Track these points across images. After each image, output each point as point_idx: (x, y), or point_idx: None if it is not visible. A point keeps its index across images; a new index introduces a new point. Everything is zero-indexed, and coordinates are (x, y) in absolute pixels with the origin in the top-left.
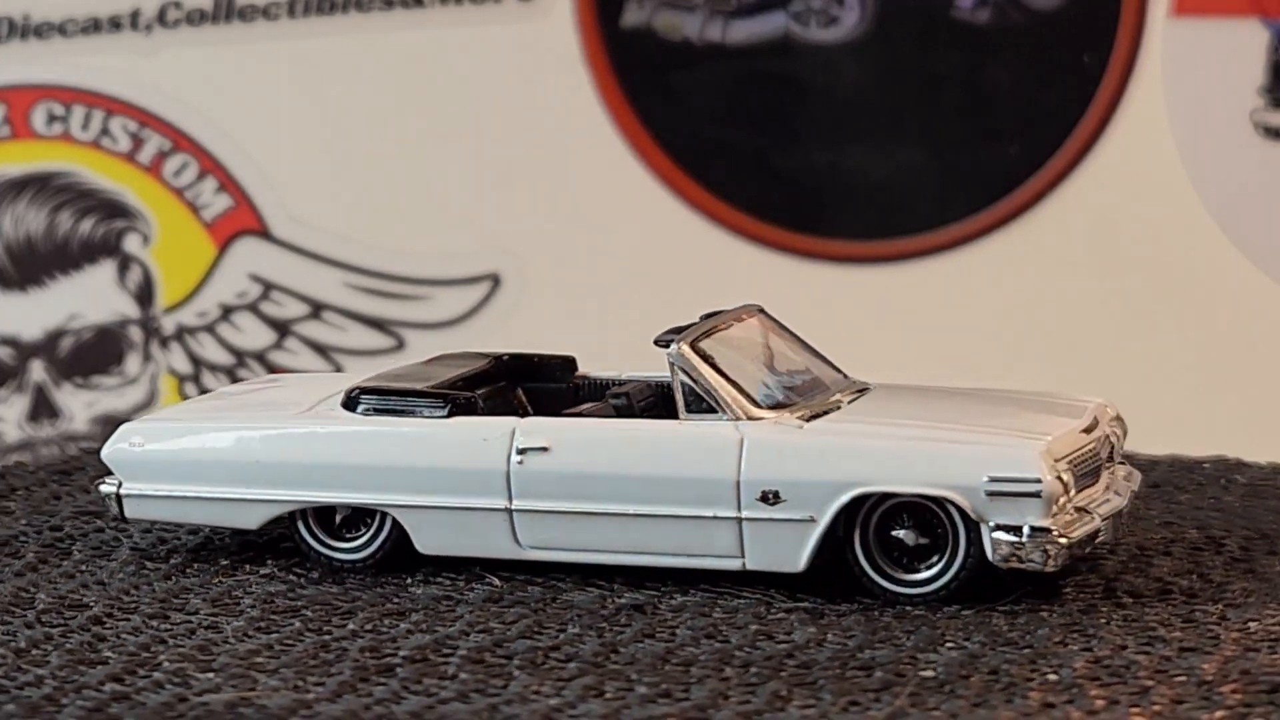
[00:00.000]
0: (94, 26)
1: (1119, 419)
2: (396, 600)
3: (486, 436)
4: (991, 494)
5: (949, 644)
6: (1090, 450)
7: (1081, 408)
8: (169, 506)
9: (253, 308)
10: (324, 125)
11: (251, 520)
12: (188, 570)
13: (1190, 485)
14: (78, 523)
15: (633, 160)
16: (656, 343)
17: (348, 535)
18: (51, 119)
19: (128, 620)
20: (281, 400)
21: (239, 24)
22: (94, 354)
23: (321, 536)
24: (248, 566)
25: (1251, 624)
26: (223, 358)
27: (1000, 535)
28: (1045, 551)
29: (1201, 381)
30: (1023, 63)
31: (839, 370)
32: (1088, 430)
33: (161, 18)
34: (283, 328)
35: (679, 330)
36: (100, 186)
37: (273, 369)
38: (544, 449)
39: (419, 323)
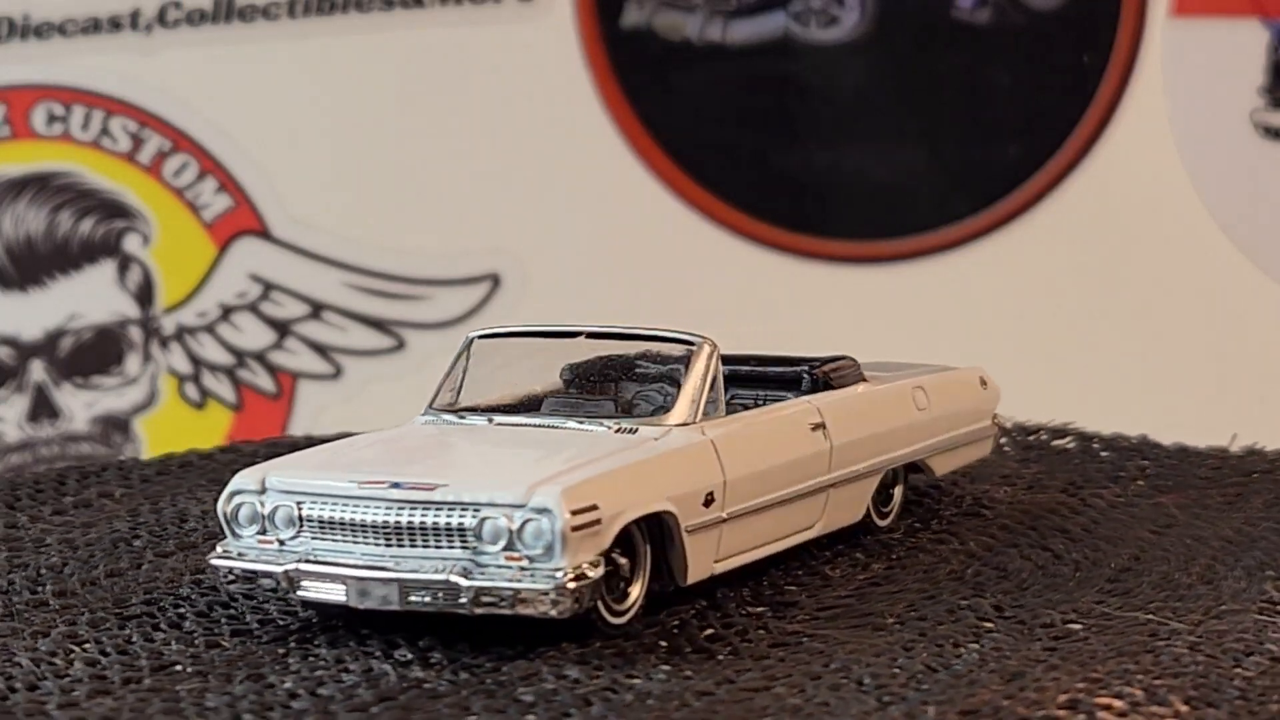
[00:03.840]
0: (94, 26)
1: (579, 512)
2: None
3: None
4: None
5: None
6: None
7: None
8: None
9: (253, 308)
10: (324, 125)
11: None
12: None
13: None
14: None
15: (633, 160)
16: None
17: None
18: (51, 119)
19: None
20: None
21: (239, 24)
22: (94, 354)
23: None
24: None
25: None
26: (223, 358)
27: None
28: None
29: (1201, 381)
30: (1023, 63)
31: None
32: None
33: (161, 18)
34: (283, 328)
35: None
36: (100, 186)
37: (272, 369)
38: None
39: (419, 323)
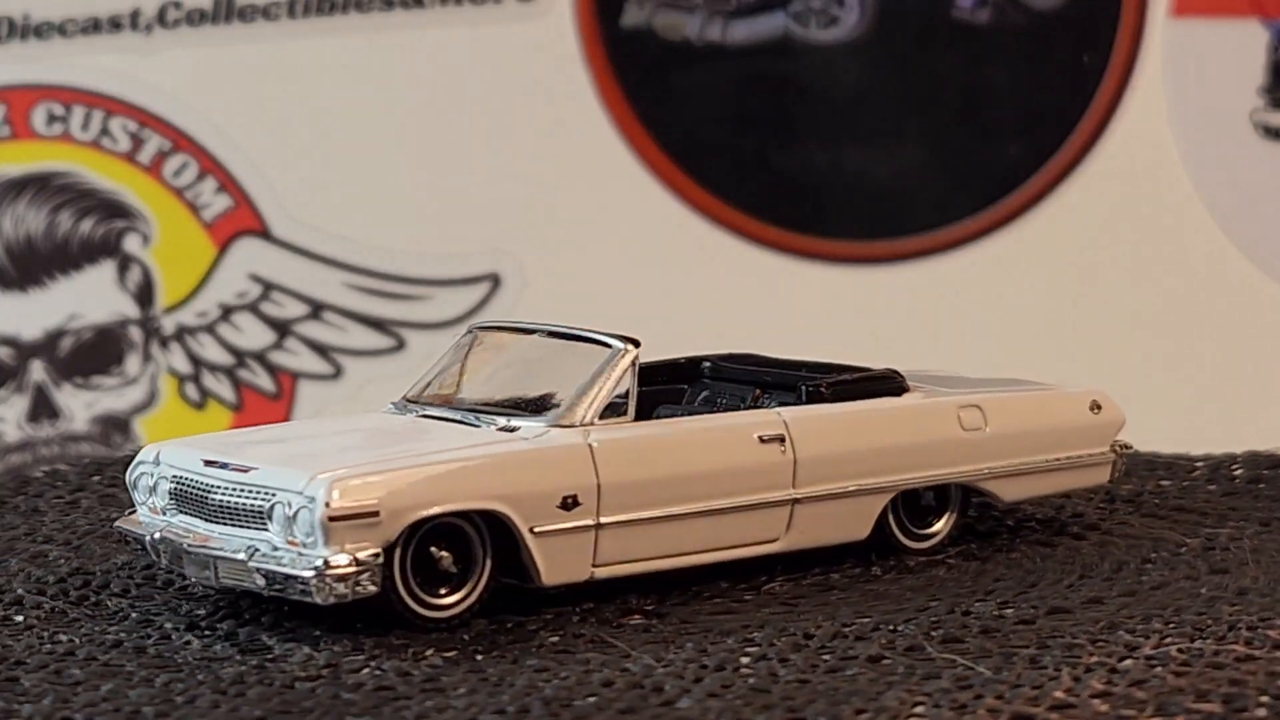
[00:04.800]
0: (94, 26)
1: (347, 503)
2: None
3: None
4: None
5: None
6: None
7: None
8: None
9: (253, 308)
10: (324, 125)
11: None
12: None
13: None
14: None
15: (633, 160)
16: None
17: None
18: (51, 119)
19: None
20: None
21: (239, 24)
22: (94, 354)
23: None
24: None
25: None
26: (223, 358)
27: None
28: None
29: (1201, 381)
30: (1023, 63)
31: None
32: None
33: (161, 18)
34: (283, 328)
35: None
36: (100, 186)
37: (272, 369)
38: None
39: (419, 323)
